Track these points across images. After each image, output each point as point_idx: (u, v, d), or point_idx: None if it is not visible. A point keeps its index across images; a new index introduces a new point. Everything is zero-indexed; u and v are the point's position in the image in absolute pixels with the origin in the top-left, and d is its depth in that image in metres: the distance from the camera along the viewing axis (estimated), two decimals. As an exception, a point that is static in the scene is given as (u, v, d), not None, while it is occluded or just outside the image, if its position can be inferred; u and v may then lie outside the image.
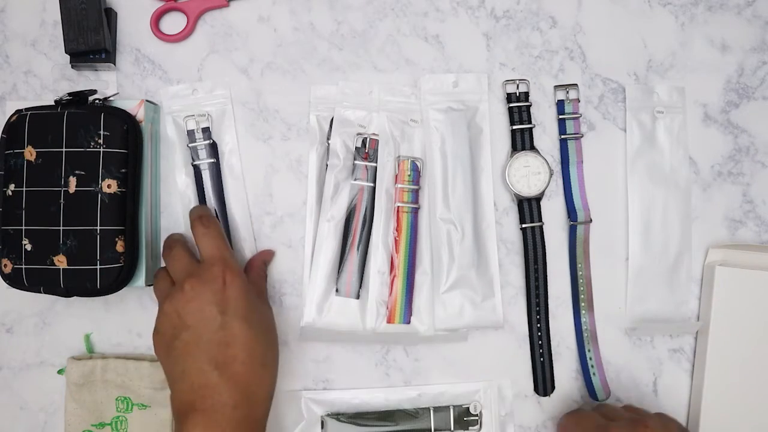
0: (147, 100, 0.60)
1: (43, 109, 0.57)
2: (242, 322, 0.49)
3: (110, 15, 0.62)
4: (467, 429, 0.61)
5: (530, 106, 0.62)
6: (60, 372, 0.62)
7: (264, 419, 0.50)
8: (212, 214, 0.57)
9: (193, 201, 0.61)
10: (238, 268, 0.52)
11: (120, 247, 0.56)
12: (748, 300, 0.60)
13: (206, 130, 0.60)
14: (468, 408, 0.61)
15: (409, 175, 0.61)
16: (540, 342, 0.62)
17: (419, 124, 0.62)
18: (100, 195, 0.56)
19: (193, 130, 0.60)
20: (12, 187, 0.56)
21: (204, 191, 0.60)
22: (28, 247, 0.56)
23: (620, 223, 0.63)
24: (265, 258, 0.60)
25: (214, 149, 0.60)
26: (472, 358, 0.62)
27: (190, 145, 0.60)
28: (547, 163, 0.62)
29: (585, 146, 0.63)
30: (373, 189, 0.61)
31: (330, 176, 0.61)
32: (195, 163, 0.60)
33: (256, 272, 0.59)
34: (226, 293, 0.50)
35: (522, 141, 0.62)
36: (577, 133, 0.63)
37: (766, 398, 0.60)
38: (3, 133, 0.58)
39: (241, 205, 0.61)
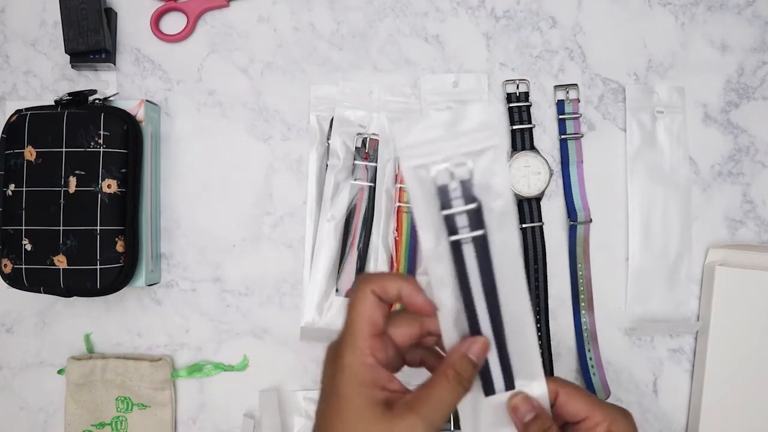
0: (147, 100, 0.60)
1: (43, 109, 0.57)
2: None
3: (110, 15, 0.62)
4: (467, 429, 0.61)
5: (530, 106, 0.62)
6: (60, 372, 0.61)
7: None
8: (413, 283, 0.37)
9: (451, 289, 0.37)
10: (354, 353, 0.35)
11: (120, 247, 0.56)
12: (748, 300, 0.60)
13: (467, 186, 0.36)
14: (468, 408, 0.61)
15: (409, 175, 0.61)
16: (540, 342, 0.62)
17: (419, 124, 0.62)
18: (100, 195, 0.56)
19: (446, 186, 0.35)
20: (12, 187, 0.56)
21: (467, 279, 0.37)
22: (28, 247, 0.56)
23: (620, 223, 0.63)
24: (471, 350, 0.36)
25: (479, 215, 0.36)
26: (472, 358, 0.62)
27: (444, 212, 0.36)
28: (547, 163, 0.62)
29: (585, 146, 0.63)
30: (373, 189, 0.61)
31: (330, 176, 0.61)
32: (454, 238, 0.36)
33: (440, 372, 0.36)
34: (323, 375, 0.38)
35: (522, 141, 0.62)
36: (577, 133, 0.63)
37: (766, 398, 0.60)
38: (3, 133, 0.58)
39: (520, 297, 0.37)
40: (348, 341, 0.36)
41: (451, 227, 0.36)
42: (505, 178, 0.35)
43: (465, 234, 0.36)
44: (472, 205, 0.35)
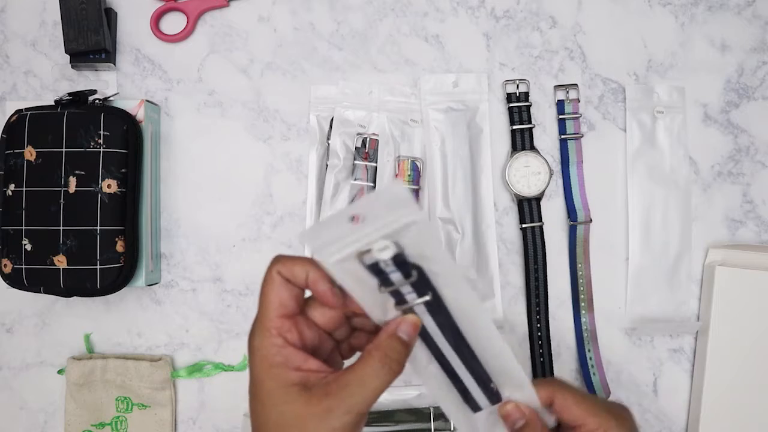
0: (147, 100, 0.60)
1: (43, 109, 0.57)
2: None
3: (110, 15, 0.62)
4: (467, 429, 0.61)
5: (530, 106, 0.62)
6: (60, 372, 0.61)
7: None
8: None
9: (424, 354, 0.38)
10: (262, 335, 0.35)
11: (120, 247, 0.56)
12: (748, 300, 0.60)
13: (400, 259, 0.33)
14: (468, 408, 0.61)
15: (409, 175, 0.61)
16: (540, 342, 0.62)
17: (419, 124, 0.62)
18: (100, 195, 0.56)
19: (377, 263, 0.33)
20: (12, 187, 0.56)
21: (433, 342, 0.37)
22: (28, 247, 0.56)
23: (620, 223, 0.63)
24: (400, 329, 0.35)
25: (424, 281, 0.35)
26: (472, 358, 0.62)
27: (385, 289, 0.34)
28: (547, 163, 0.62)
29: (585, 146, 0.63)
30: (373, 189, 0.61)
31: (330, 176, 0.61)
32: (405, 307, 0.35)
33: (365, 354, 0.35)
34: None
35: (522, 141, 0.62)
36: (577, 133, 0.63)
37: (766, 398, 0.60)
38: (3, 133, 0.58)
39: (488, 331, 0.36)
40: (257, 324, 0.36)
41: (399, 299, 0.34)
42: (437, 247, 0.33)
43: (414, 301, 0.34)
44: (413, 277, 0.33)
